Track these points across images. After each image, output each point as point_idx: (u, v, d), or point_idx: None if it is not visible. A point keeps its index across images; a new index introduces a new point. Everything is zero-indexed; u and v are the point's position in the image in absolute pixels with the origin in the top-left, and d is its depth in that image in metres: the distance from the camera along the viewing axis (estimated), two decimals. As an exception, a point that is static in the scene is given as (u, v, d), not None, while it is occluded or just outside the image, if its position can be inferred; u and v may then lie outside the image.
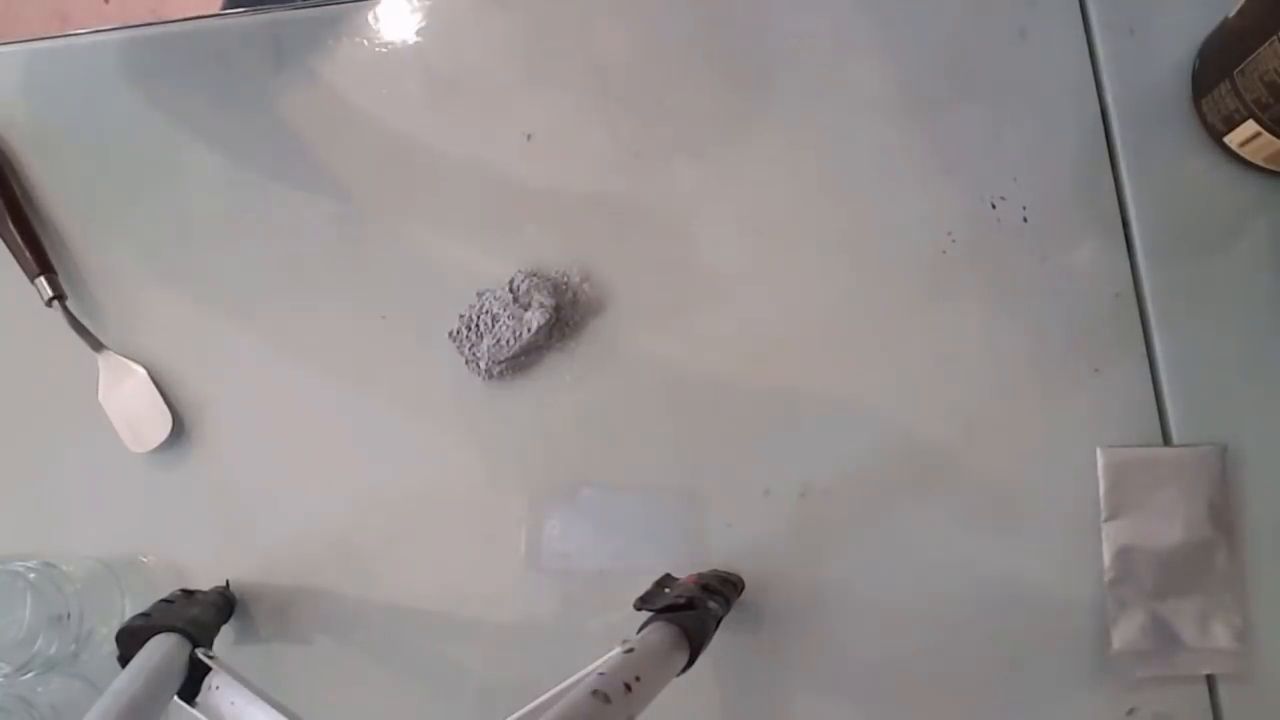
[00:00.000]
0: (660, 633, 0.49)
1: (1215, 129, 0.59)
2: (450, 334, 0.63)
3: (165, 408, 0.64)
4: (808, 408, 0.61)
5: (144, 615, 0.54)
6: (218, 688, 0.50)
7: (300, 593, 0.62)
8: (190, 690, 0.51)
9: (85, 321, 0.65)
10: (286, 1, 0.69)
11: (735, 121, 0.64)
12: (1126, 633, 0.57)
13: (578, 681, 0.44)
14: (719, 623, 0.53)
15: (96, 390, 0.65)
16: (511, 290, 0.63)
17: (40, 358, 0.66)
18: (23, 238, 0.65)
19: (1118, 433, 0.59)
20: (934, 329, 0.61)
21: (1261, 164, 0.58)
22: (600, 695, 0.42)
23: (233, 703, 0.50)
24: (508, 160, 0.65)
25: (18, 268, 0.66)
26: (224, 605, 0.60)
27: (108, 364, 0.64)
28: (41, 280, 0.65)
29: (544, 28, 0.67)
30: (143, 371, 0.64)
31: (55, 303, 0.65)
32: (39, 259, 0.65)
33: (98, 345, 0.65)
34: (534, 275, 0.63)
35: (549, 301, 0.61)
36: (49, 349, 0.65)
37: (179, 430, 0.64)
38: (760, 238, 0.63)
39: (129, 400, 0.64)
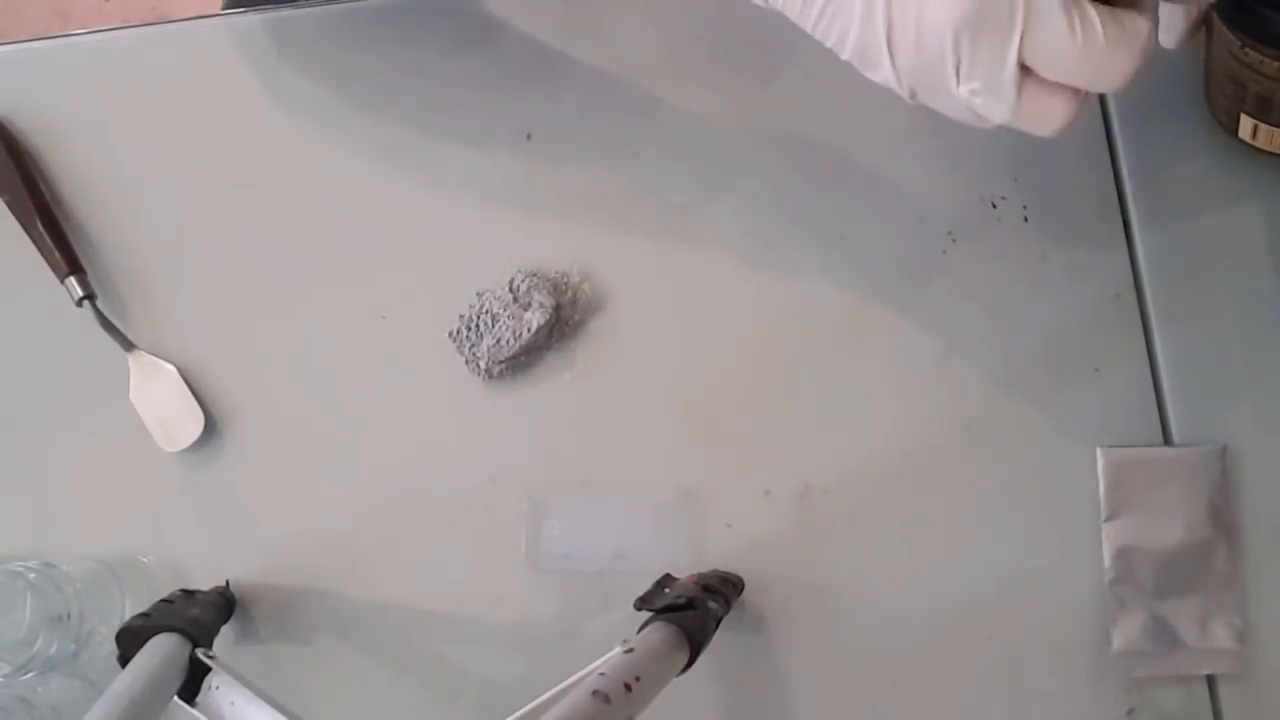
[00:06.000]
0: (660, 633, 0.49)
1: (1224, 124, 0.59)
2: (450, 334, 0.63)
3: (197, 406, 0.64)
4: (808, 408, 0.61)
5: (144, 615, 0.54)
6: (218, 688, 0.50)
7: (300, 593, 0.62)
8: (190, 690, 0.51)
9: (115, 321, 0.65)
10: (286, 1, 0.69)
11: (735, 121, 0.64)
12: (1126, 633, 0.57)
13: (578, 681, 0.44)
14: (719, 623, 0.53)
15: (127, 390, 0.64)
16: (511, 290, 0.63)
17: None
18: (52, 238, 0.65)
19: (1118, 433, 0.59)
20: (934, 329, 0.61)
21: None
22: (600, 695, 0.42)
23: (233, 703, 0.50)
24: (508, 160, 0.65)
25: (47, 268, 0.65)
26: (224, 605, 0.60)
27: (138, 363, 0.65)
28: (71, 280, 0.65)
29: (544, 27, 0.67)
30: (173, 370, 0.64)
31: (85, 302, 0.65)
32: (68, 259, 0.65)
33: (128, 345, 0.65)
34: (534, 275, 0.63)
35: (549, 301, 0.61)
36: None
37: (210, 429, 0.64)
38: (760, 237, 0.63)
39: (160, 399, 0.64)
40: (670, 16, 0.66)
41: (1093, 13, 0.41)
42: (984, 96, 0.43)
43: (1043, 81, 0.42)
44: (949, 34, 0.41)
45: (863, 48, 0.44)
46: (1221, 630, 0.56)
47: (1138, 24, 0.42)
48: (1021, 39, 0.41)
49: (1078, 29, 0.41)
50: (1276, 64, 0.50)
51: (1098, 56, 0.41)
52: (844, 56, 0.45)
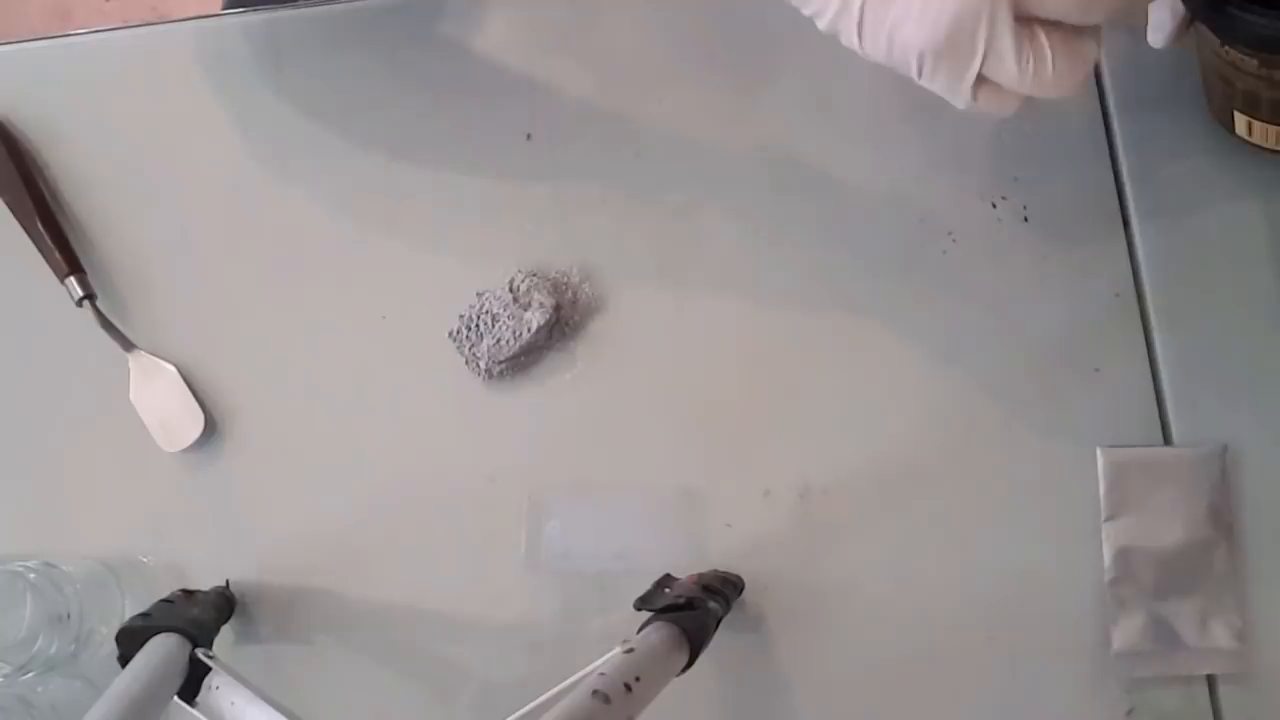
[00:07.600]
0: (660, 633, 0.49)
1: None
2: (450, 334, 0.63)
3: (197, 406, 0.64)
4: (808, 408, 0.61)
5: (144, 615, 0.54)
6: (218, 688, 0.50)
7: (300, 593, 0.62)
8: (190, 690, 0.51)
9: (115, 321, 0.65)
10: (286, 1, 0.69)
11: (735, 121, 0.64)
12: (1126, 633, 0.57)
13: (578, 681, 0.44)
14: (719, 623, 0.53)
15: (127, 390, 0.64)
16: (511, 290, 0.63)
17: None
18: (52, 238, 0.65)
19: (1118, 433, 0.59)
20: (934, 329, 0.61)
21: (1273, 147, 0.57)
22: (600, 695, 0.42)
23: (233, 703, 0.50)
24: (508, 160, 0.65)
25: (47, 268, 0.65)
26: (224, 605, 0.60)
27: (138, 363, 0.65)
28: (71, 280, 0.65)
29: (544, 27, 0.67)
30: (173, 370, 0.64)
31: (86, 302, 0.65)
32: (68, 259, 0.65)
33: (128, 345, 0.65)
34: (534, 275, 0.63)
35: (549, 301, 0.62)
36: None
37: (210, 429, 0.64)
38: (760, 237, 0.63)
39: (160, 399, 0.64)
40: (669, 18, 0.66)
41: (1044, 42, 0.44)
42: (943, 93, 0.47)
43: (997, 85, 0.46)
44: (915, 53, 0.45)
45: (835, 31, 0.47)
46: (1221, 630, 0.56)
47: (1086, 47, 0.45)
48: (980, 65, 0.45)
49: (1029, 62, 0.44)
50: (1255, 61, 0.50)
51: (1046, 81, 0.45)
52: (820, 27, 0.48)
